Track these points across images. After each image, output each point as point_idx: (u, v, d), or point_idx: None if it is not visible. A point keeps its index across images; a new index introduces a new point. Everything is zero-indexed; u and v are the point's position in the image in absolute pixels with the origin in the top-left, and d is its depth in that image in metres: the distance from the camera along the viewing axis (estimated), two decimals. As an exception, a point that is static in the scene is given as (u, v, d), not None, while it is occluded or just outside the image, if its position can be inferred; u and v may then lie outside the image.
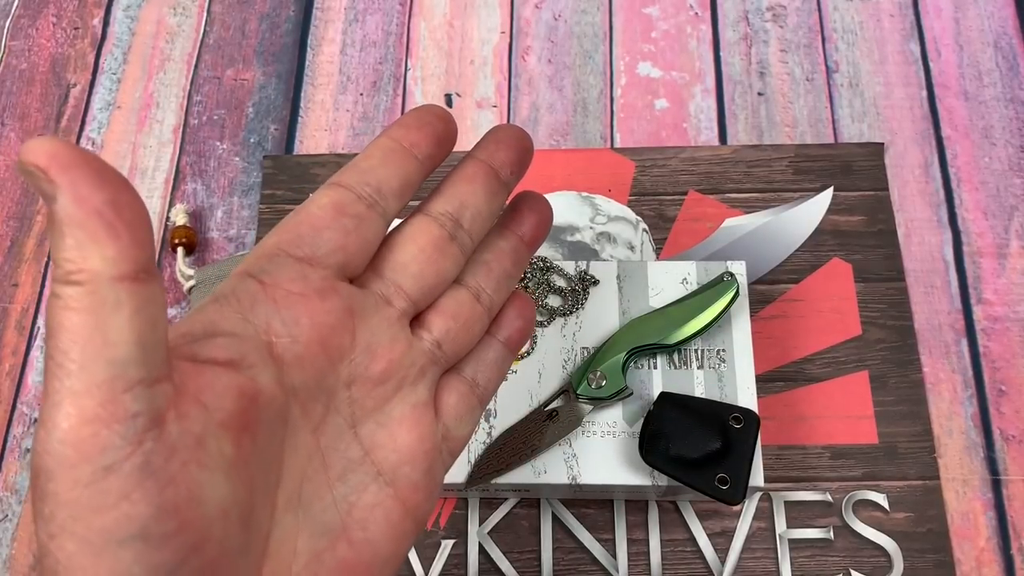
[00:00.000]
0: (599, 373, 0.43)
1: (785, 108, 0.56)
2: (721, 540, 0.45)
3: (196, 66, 0.59)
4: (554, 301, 0.46)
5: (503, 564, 0.45)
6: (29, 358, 0.51)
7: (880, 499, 0.46)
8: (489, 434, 0.43)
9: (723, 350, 0.44)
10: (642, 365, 0.44)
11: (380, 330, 0.25)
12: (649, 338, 0.43)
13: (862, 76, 0.57)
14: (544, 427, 0.42)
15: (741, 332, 0.44)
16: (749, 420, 0.41)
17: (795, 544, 0.45)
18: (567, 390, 0.43)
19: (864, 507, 0.46)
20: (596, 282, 0.46)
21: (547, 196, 0.54)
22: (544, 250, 0.52)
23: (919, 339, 0.50)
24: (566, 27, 0.60)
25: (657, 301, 0.45)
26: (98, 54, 0.60)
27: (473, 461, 0.43)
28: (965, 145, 0.55)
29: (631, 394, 0.43)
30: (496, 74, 0.59)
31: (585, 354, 0.45)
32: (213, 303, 0.22)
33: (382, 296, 0.25)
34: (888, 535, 0.45)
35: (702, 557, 0.45)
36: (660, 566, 0.45)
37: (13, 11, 0.62)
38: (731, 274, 0.44)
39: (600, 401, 0.42)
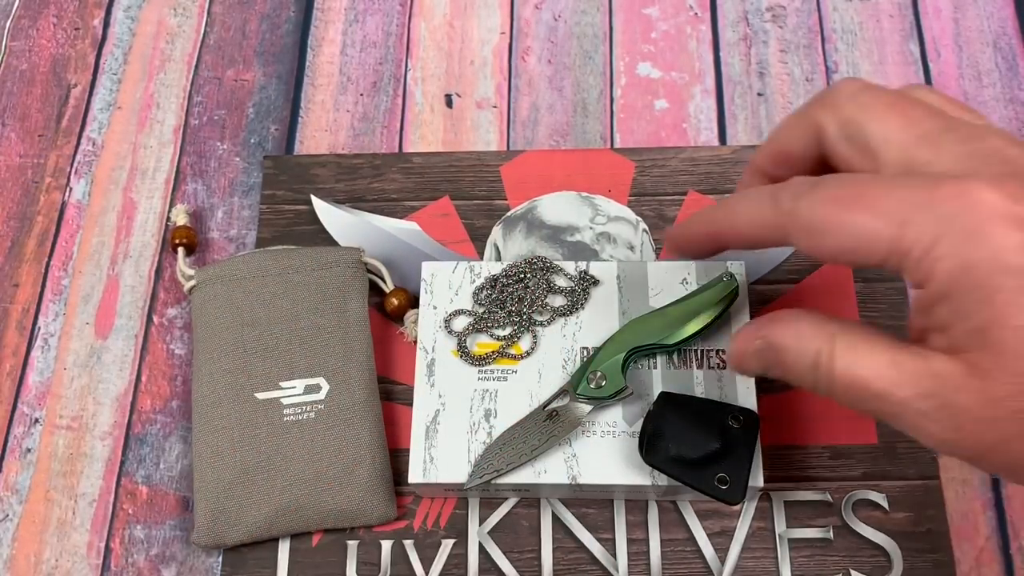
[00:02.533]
0: (599, 373, 0.43)
1: (785, 108, 0.57)
2: (721, 540, 0.45)
3: (196, 67, 0.60)
4: (555, 301, 0.46)
5: (503, 564, 0.45)
6: (29, 358, 0.51)
7: (880, 499, 0.46)
8: (489, 434, 0.43)
9: (723, 350, 0.44)
10: (642, 365, 0.44)
11: None
12: (649, 338, 0.43)
13: (861, 76, 0.57)
14: (544, 427, 0.42)
15: (741, 332, 0.44)
16: (749, 420, 0.42)
17: (795, 544, 0.45)
18: (567, 390, 0.43)
19: (864, 507, 0.46)
20: (596, 282, 0.46)
21: (547, 196, 0.54)
22: (544, 250, 0.52)
23: (919, 339, 0.50)
24: (566, 27, 0.60)
25: (657, 301, 0.46)
26: (98, 54, 0.60)
27: (473, 461, 0.43)
28: (965, 145, 0.55)
29: (631, 394, 0.43)
30: (496, 74, 0.59)
31: (585, 354, 0.45)
32: None
33: None
34: (888, 535, 0.45)
35: (702, 557, 0.45)
36: (660, 566, 0.45)
37: (13, 11, 0.62)
38: (731, 274, 0.44)
39: (600, 401, 0.43)
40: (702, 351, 0.44)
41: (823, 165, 0.35)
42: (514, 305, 0.46)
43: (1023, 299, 0.26)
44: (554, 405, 0.43)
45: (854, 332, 0.31)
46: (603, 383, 0.42)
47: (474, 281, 0.47)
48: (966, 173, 0.28)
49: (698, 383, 0.44)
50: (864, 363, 0.30)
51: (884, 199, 0.29)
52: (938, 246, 0.27)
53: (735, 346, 0.36)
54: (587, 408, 0.43)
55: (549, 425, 0.42)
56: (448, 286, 0.47)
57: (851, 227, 0.29)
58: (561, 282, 0.47)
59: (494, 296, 0.46)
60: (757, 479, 0.41)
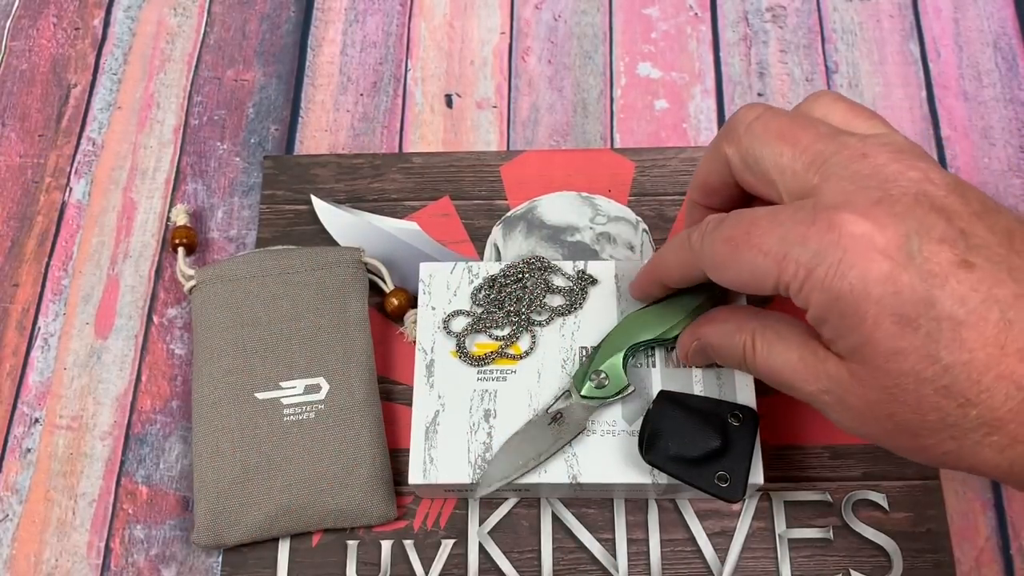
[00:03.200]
0: (602, 373, 0.43)
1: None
2: (721, 540, 0.45)
3: (196, 66, 0.60)
4: (553, 300, 0.46)
5: (503, 564, 0.45)
6: (29, 358, 0.51)
7: (880, 499, 0.46)
8: (489, 434, 0.43)
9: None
10: (641, 364, 0.44)
11: None
12: (647, 334, 0.43)
13: (862, 77, 0.57)
14: (550, 430, 0.42)
15: (741, 332, 0.44)
16: (748, 417, 0.41)
17: (795, 544, 0.45)
18: (569, 391, 0.43)
19: (864, 507, 0.46)
20: (595, 281, 0.46)
21: (547, 196, 0.54)
22: (544, 250, 0.52)
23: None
24: (566, 27, 0.60)
25: (656, 301, 0.45)
26: (98, 54, 0.60)
27: (477, 466, 0.43)
28: (965, 145, 0.55)
29: (633, 391, 0.43)
30: (496, 74, 0.59)
31: (584, 353, 0.45)
32: None
33: None
34: (888, 535, 0.45)
35: (702, 557, 0.45)
36: (660, 566, 0.45)
37: (14, 11, 0.62)
38: None
39: (603, 400, 0.43)
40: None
41: (745, 191, 0.38)
42: (512, 305, 0.46)
43: (885, 324, 0.30)
44: (558, 407, 0.43)
45: (771, 329, 0.36)
46: (606, 383, 0.42)
47: (472, 282, 0.47)
48: (843, 202, 0.31)
49: (697, 381, 0.44)
50: (778, 358, 0.35)
51: (767, 237, 0.32)
52: (811, 278, 0.31)
53: (679, 345, 0.42)
54: (591, 408, 0.43)
55: (555, 428, 0.42)
56: (446, 287, 0.47)
57: (742, 263, 0.33)
58: (559, 282, 0.47)
59: (492, 296, 0.46)
60: (757, 475, 0.41)
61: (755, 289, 0.34)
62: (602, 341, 0.44)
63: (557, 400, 0.43)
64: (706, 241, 0.35)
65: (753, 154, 0.35)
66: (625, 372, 0.43)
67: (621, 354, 0.43)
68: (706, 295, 0.43)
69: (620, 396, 0.42)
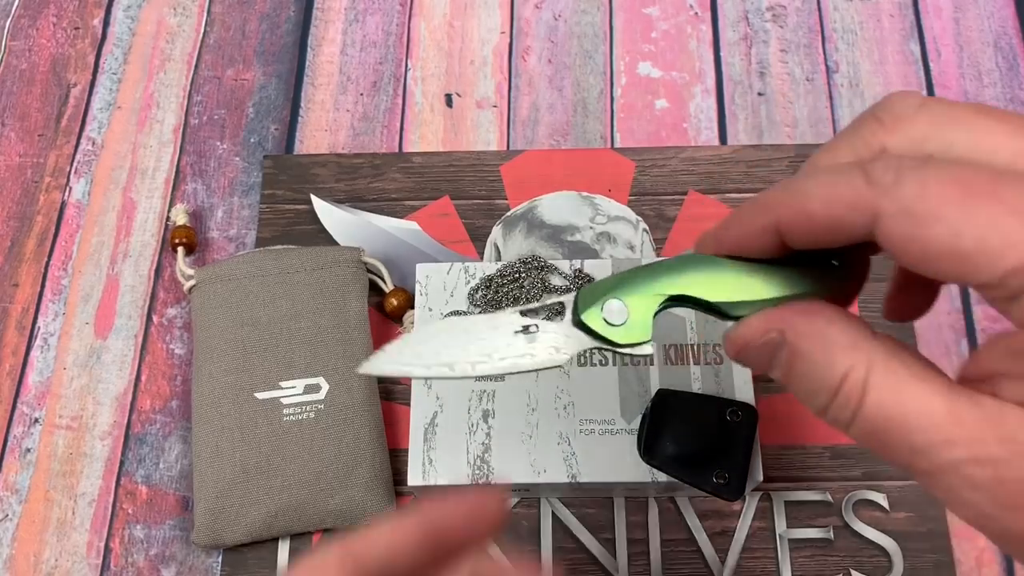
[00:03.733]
0: (624, 307, 0.28)
1: (785, 108, 0.56)
2: (721, 540, 0.45)
3: (196, 66, 0.60)
4: (550, 300, 0.46)
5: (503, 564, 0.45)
6: (29, 358, 0.51)
7: (880, 499, 0.46)
8: (488, 435, 0.43)
9: (719, 346, 0.44)
10: (639, 361, 0.44)
11: None
12: (709, 293, 0.27)
13: (862, 76, 0.57)
14: (512, 340, 0.29)
15: (741, 331, 0.44)
16: (747, 414, 0.41)
17: (795, 544, 0.45)
18: (560, 308, 0.30)
19: (864, 507, 0.46)
20: (591, 280, 0.46)
21: (547, 196, 0.54)
22: (544, 250, 0.52)
23: (919, 339, 0.50)
24: (566, 27, 0.60)
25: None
26: (98, 54, 0.60)
27: (476, 465, 0.43)
28: (965, 145, 0.55)
29: (650, 353, 0.35)
30: (496, 74, 0.59)
31: (582, 353, 0.45)
32: None
33: None
34: (888, 535, 0.45)
35: (702, 557, 0.45)
36: (660, 566, 0.45)
37: (13, 11, 0.62)
38: (836, 261, 0.27)
39: (606, 344, 0.28)
40: (699, 346, 0.44)
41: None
42: (510, 305, 0.46)
43: None
44: (534, 320, 0.30)
45: (900, 359, 0.23)
46: (623, 321, 0.28)
47: (469, 282, 0.47)
48: None
49: (695, 379, 0.44)
50: (909, 401, 0.23)
51: (1022, 197, 0.21)
52: None
53: (743, 331, 0.27)
54: (579, 343, 0.29)
55: (519, 342, 0.29)
56: (443, 287, 0.47)
57: (973, 218, 0.21)
58: (556, 281, 0.47)
59: (489, 296, 0.46)
60: (757, 472, 0.41)
61: (962, 268, 0.22)
62: (638, 268, 0.29)
63: (536, 310, 0.30)
64: (914, 175, 0.23)
65: (940, 136, 0.24)
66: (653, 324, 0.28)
67: (661, 300, 0.28)
68: (812, 288, 0.27)
69: (630, 350, 0.28)
